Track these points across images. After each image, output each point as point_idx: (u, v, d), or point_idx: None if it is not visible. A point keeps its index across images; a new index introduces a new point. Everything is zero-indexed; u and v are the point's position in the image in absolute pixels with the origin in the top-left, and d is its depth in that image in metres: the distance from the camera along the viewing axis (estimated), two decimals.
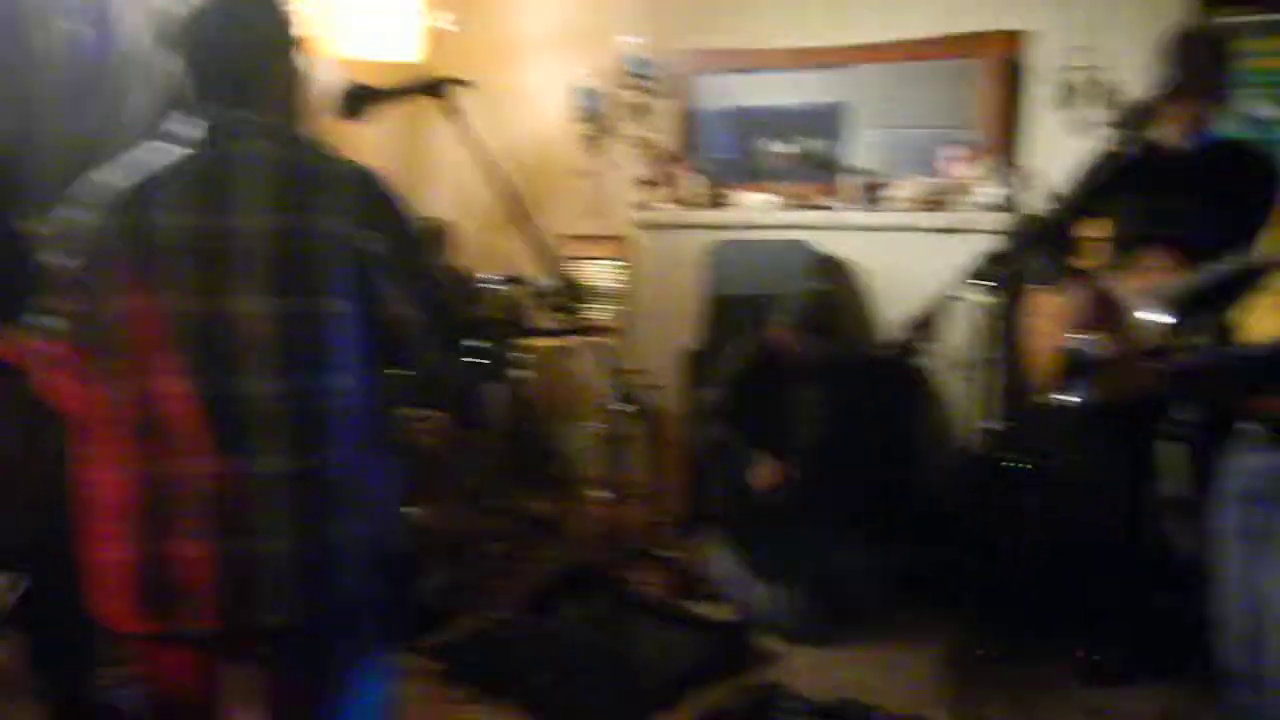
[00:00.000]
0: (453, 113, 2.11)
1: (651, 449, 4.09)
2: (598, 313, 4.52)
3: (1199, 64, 2.66)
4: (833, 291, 3.17)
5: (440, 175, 4.93)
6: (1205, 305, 2.52)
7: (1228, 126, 3.08)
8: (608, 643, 3.06)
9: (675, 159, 4.54)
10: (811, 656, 3.18)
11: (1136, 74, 3.74)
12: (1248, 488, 1.95)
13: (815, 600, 3.22)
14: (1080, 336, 2.35)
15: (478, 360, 3.89)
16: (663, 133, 4.59)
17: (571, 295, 3.80)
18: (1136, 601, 3.03)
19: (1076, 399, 1.78)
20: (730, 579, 3.37)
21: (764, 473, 3.21)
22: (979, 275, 2.09)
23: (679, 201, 4.46)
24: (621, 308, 4.65)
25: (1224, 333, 2.00)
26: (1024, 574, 3.27)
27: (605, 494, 3.91)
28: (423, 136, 4.90)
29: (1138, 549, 2.97)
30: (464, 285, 3.92)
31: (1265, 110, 3.63)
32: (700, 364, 4.13)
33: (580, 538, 4.01)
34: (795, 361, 3.23)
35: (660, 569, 3.77)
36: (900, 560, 3.41)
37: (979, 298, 3.67)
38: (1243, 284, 2.24)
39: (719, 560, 3.48)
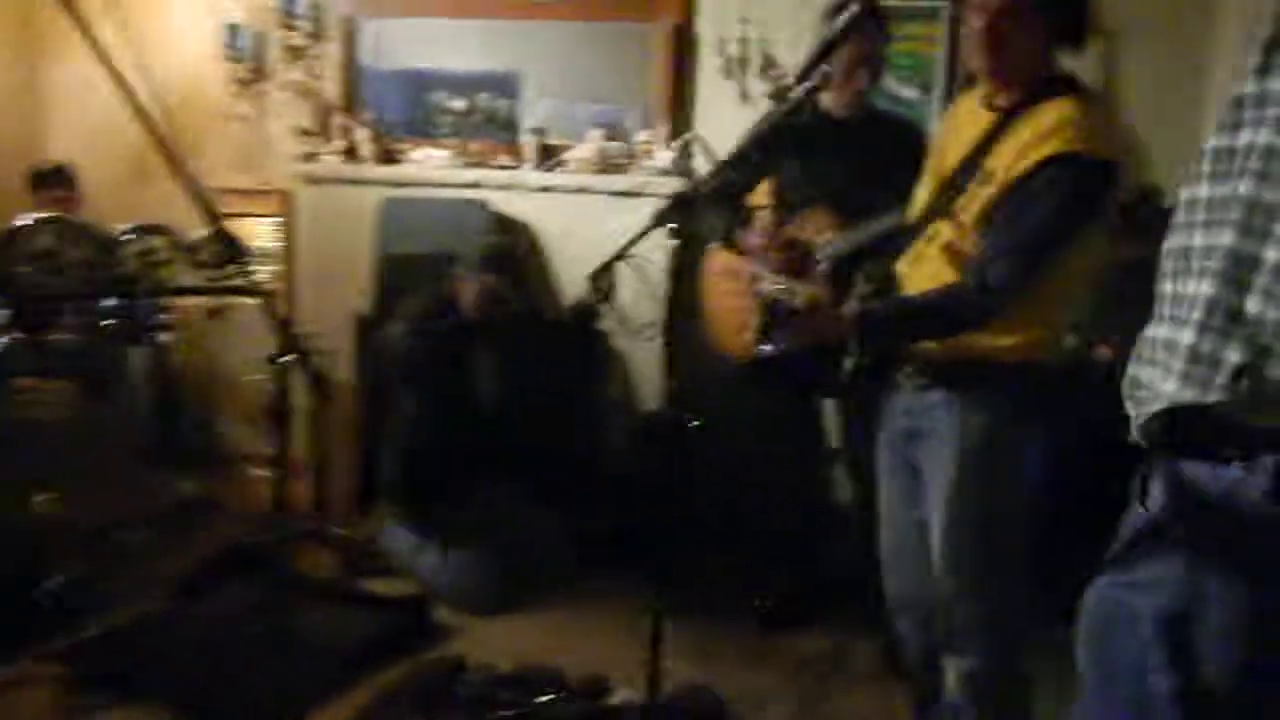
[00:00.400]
0: (82, 26, 1.76)
1: (320, 418, 3.79)
2: (255, 272, 4.13)
3: (857, 38, 2.79)
4: (513, 249, 3.06)
5: (64, 112, 4.30)
6: (868, 259, 2.66)
7: (878, 104, 3.30)
8: (269, 627, 2.78)
9: (340, 109, 4.24)
10: (494, 625, 3.06)
11: (798, 46, 3.98)
12: (899, 428, 2.06)
13: (495, 568, 3.11)
14: (778, 285, 2.40)
15: (112, 321, 3.42)
16: (326, 80, 4.27)
17: (225, 251, 3.44)
18: (805, 548, 3.19)
19: (776, 348, 1.80)
20: (406, 552, 3.18)
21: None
22: (653, 232, 2.06)
23: (346, 155, 4.16)
24: (282, 267, 4.29)
25: (887, 284, 2.10)
26: (699, 530, 3.35)
27: (267, 469, 3.57)
28: (41, 68, 4.24)
29: (805, 498, 3.11)
30: (90, 236, 3.42)
31: (909, 91, 3.94)
32: (372, 327, 3.88)
33: (240, 518, 3.64)
34: (475, 319, 3.08)
35: (332, 546, 3.51)
36: (581, 523, 3.37)
37: (655, 256, 3.76)
38: (896, 241, 2.37)
39: (394, 533, 3.28)
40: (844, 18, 2.00)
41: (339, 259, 4.13)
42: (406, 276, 3.82)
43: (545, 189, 4.00)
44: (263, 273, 4.29)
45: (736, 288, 2.96)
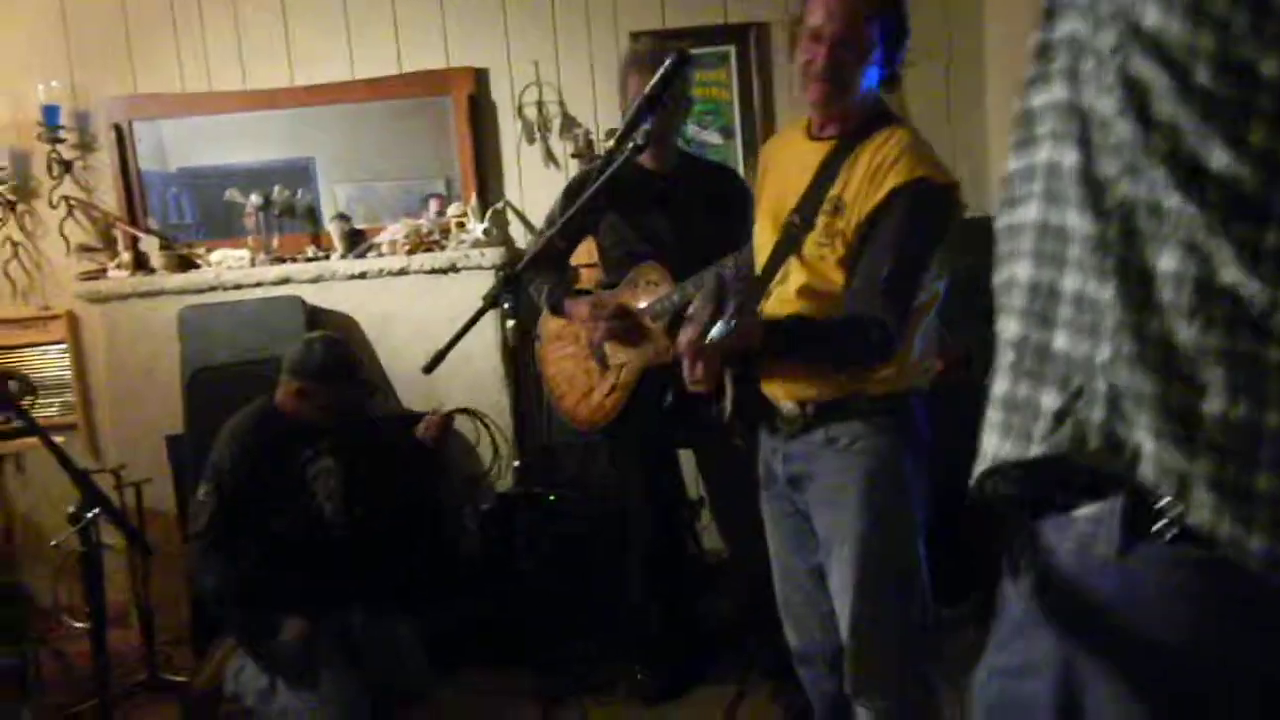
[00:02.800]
0: None
1: (140, 559, 3.45)
2: (43, 407, 3.77)
3: (658, 87, 2.76)
4: (341, 343, 2.86)
5: None
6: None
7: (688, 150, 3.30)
8: None
9: (121, 220, 3.93)
10: None
11: (595, 102, 3.97)
12: (782, 475, 2.00)
13: (356, 694, 2.86)
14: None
15: None
16: (102, 191, 3.97)
17: (9, 391, 3.10)
18: (679, 610, 3.09)
19: (727, 326, 1.71)
20: (255, 694, 2.89)
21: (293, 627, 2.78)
22: (491, 305, 1.95)
23: (134, 267, 3.86)
24: (76, 397, 3.93)
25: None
26: (568, 607, 3.21)
27: (84, 624, 3.21)
28: None
29: (673, 557, 3.02)
30: None
31: (712, 137, 3.98)
32: (188, 449, 3.58)
33: (63, 683, 3.26)
34: (307, 427, 2.84)
35: (170, 698, 3.17)
36: (444, 623, 3.15)
37: (494, 330, 3.66)
38: (738, 289, 2.33)
39: (238, 674, 2.98)
40: (663, 70, 1.94)
41: (141, 379, 3.80)
42: (220, 389, 3.54)
43: (360, 275, 3.81)
44: (53, 406, 3.93)
45: (575, 352, 2.86)
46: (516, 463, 3.60)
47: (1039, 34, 0.93)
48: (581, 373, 2.85)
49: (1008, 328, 0.94)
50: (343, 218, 3.94)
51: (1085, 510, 0.88)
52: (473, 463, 3.74)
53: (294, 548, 2.82)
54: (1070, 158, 0.88)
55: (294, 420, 2.79)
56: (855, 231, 1.82)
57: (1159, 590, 0.86)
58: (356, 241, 3.93)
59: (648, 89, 1.94)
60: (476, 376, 3.69)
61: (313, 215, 4.06)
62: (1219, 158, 0.81)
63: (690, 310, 1.85)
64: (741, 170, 3.58)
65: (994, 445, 0.94)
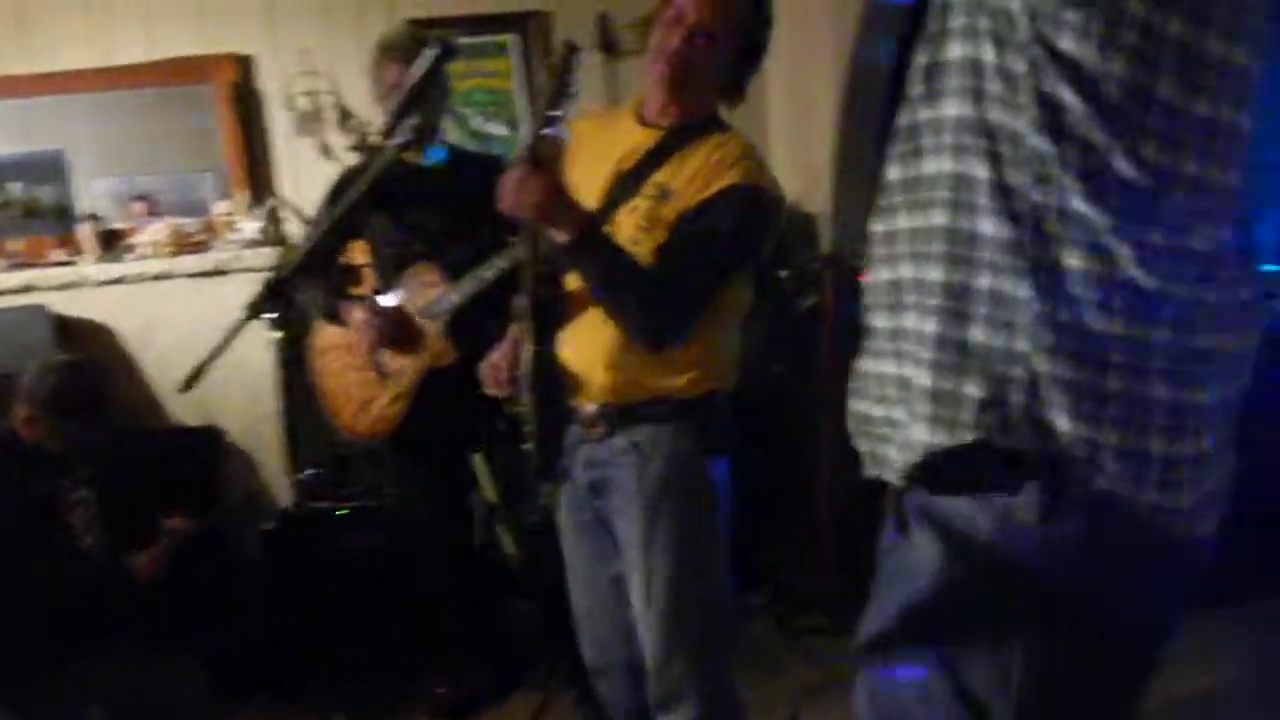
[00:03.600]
0: None
1: None
2: None
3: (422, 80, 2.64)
4: (84, 371, 2.59)
5: None
6: (481, 310, 2.55)
7: (456, 141, 3.19)
8: None
9: None
10: None
11: (370, 93, 3.78)
12: (582, 481, 1.94)
13: None
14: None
15: None
16: None
17: None
18: (477, 621, 2.99)
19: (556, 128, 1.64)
20: None
21: None
22: (253, 316, 1.80)
23: None
24: None
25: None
26: (361, 624, 3.07)
27: None
28: None
29: (468, 566, 2.92)
30: None
31: (495, 127, 3.87)
32: None
33: None
34: (54, 455, 2.56)
35: None
36: (224, 652, 2.93)
37: (262, 339, 3.42)
38: (506, 286, 2.26)
39: None
40: (423, 63, 1.83)
41: None
42: None
43: (116, 281, 3.50)
44: None
45: (351, 362, 2.71)
46: (300, 476, 3.40)
47: (924, 56, 1.03)
48: (359, 383, 2.70)
49: (924, 326, 1.02)
50: (95, 218, 3.60)
51: (1006, 487, 0.98)
52: (251, 478, 3.52)
53: (47, 587, 2.55)
54: (981, 170, 0.97)
55: (38, 447, 2.52)
56: (678, 220, 1.79)
57: (1075, 546, 0.98)
58: (112, 244, 3.61)
59: (412, 82, 1.83)
60: (254, 383, 3.46)
61: (62, 214, 3.69)
62: (1122, 169, 0.92)
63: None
64: None
65: (922, 435, 1.03)
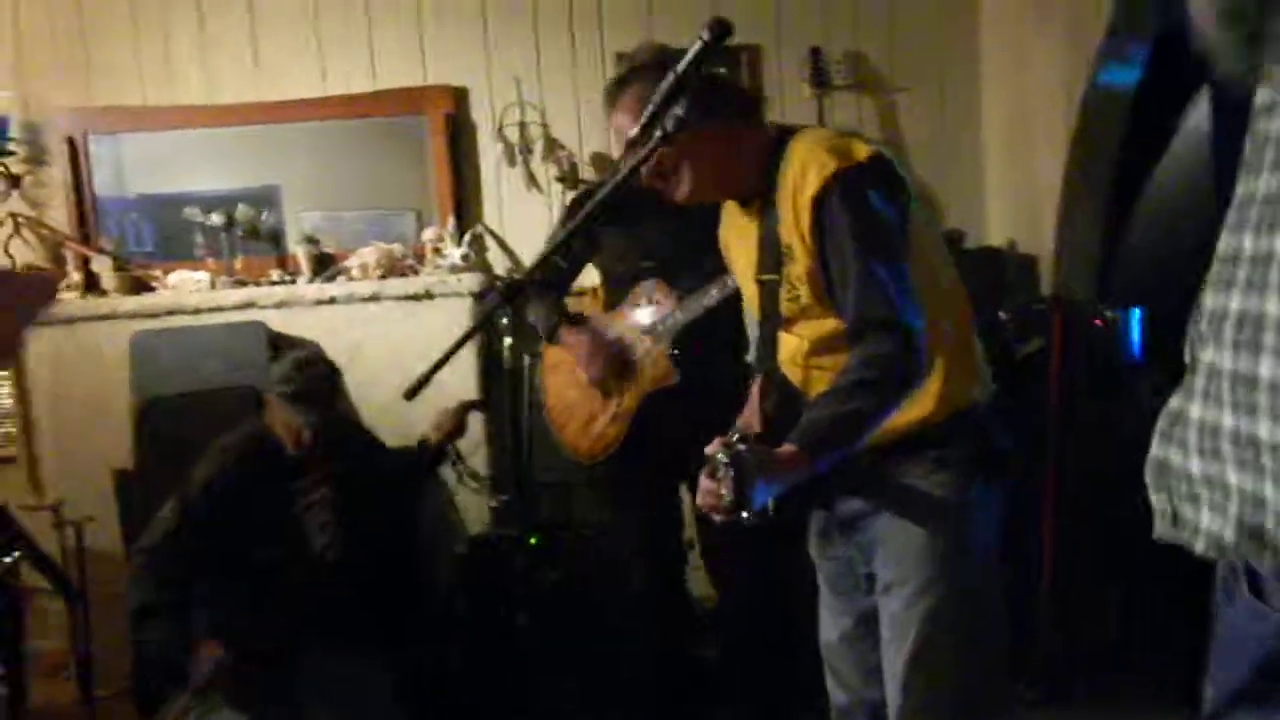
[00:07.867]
0: None
1: (79, 606, 3.16)
2: None
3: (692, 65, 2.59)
4: (330, 364, 2.65)
5: None
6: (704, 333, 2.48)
7: None
8: None
9: (73, 239, 3.69)
10: None
11: (580, 124, 3.80)
12: (838, 511, 1.80)
13: None
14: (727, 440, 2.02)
15: None
16: (52, 208, 3.72)
17: None
18: (673, 657, 2.86)
19: (762, 506, 1.46)
20: None
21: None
22: (479, 328, 1.75)
23: (85, 289, 3.61)
24: (15, 428, 3.64)
25: (786, 387, 1.82)
26: (551, 654, 2.98)
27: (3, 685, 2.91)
28: None
29: (672, 605, 2.81)
30: None
31: None
32: (137, 485, 3.31)
33: None
34: (303, 455, 2.60)
35: None
36: (416, 669, 2.90)
37: (471, 360, 3.44)
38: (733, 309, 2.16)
39: None
40: (700, 44, 1.68)
41: (87, 408, 3.53)
42: (174, 421, 3.28)
43: (329, 300, 3.59)
44: None
45: (574, 379, 2.68)
46: (493, 503, 3.37)
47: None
48: (584, 400, 2.67)
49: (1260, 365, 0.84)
50: (311, 240, 3.72)
51: None
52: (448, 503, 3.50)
53: (273, 580, 2.60)
54: None
55: (282, 449, 2.60)
56: (811, 261, 1.65)
57: None
58: (325, 266, 3.71)
59: (678, 68, 1.61)
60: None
61: (277, 239, 3.83)
62: None
63: (703, 484, 1.52)
64: None
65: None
